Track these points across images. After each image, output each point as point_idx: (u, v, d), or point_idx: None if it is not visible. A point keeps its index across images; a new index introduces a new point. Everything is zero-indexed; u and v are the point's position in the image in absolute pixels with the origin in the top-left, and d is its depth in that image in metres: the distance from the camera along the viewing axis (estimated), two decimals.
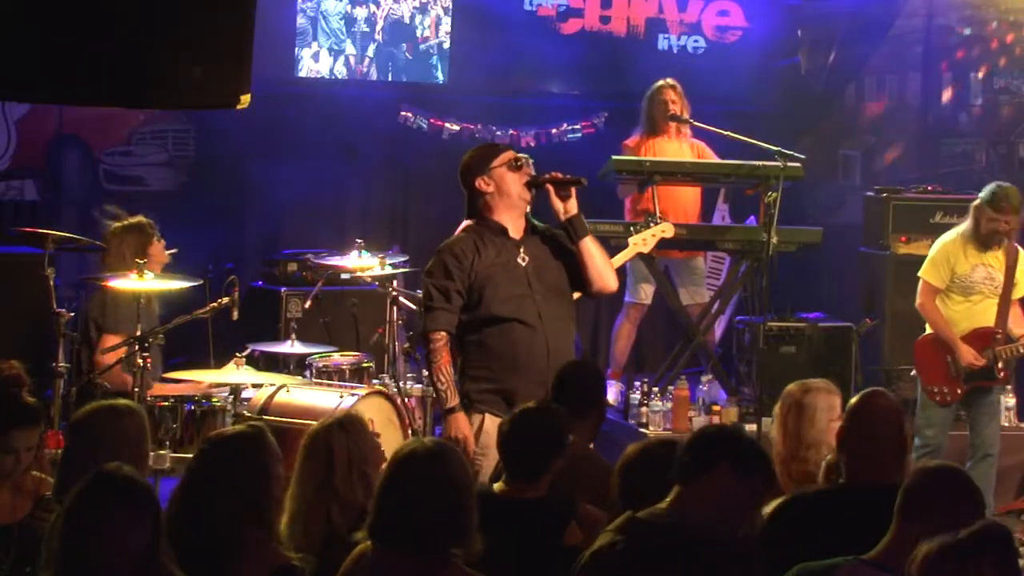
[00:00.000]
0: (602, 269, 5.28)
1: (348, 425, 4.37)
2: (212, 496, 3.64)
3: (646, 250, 6.11)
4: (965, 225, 6.96)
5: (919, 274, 7.02)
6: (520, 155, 5.28)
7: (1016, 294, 6.99)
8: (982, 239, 6.89)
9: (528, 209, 5.29)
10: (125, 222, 6.70)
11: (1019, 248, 7.04)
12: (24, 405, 4.40)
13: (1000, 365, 6.90)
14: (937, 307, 6.97)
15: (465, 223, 5.31)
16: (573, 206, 5.24)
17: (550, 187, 5.23)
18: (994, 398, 7.03)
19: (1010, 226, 6.85)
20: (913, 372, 7.10)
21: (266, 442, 3.80)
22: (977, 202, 6.89)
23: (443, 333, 5.15)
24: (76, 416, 4.34)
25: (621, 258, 5.95)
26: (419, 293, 6.84)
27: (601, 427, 5.05)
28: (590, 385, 4.98)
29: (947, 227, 7.25)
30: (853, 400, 4.51)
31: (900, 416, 4.46)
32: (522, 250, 5.22)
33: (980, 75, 9.50)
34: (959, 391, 6.89)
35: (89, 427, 4.10)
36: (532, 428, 4.33)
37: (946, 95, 9.71)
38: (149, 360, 6.02)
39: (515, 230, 5.24)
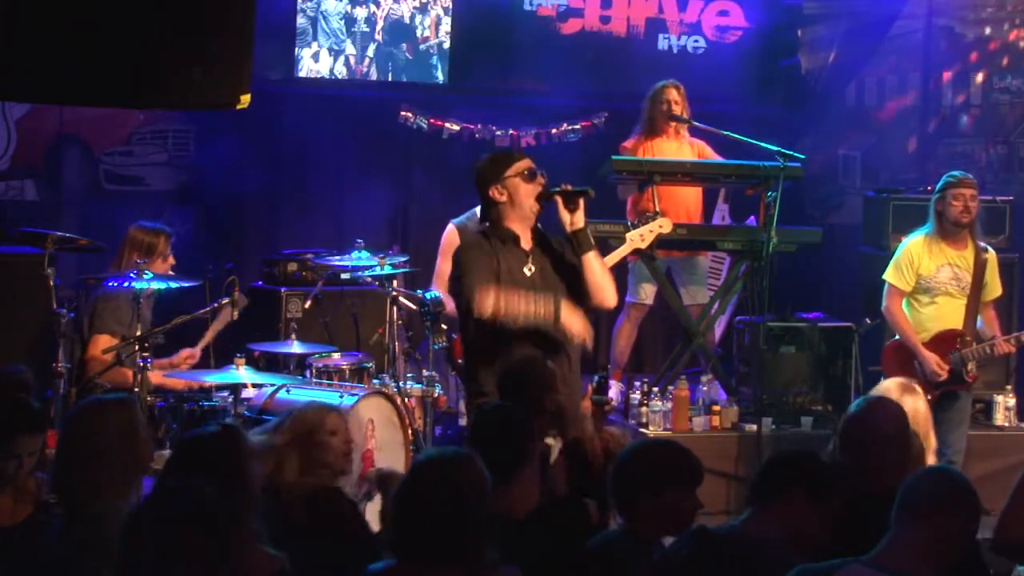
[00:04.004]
0: (601, 284, 5.27)
1: None
2: (185, 499, 3.58)
3: (643, 246, 6.11)
4: (928, 225, 6.93)
5: (883, 277, 6.97)
6: (533, 165, 5.29)
7: (987, 296, 6.92)
8: (950, 228, 6.82)
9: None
10: (151, 226, 6.77)
11: (989, 248, 7.00)
12: (30, 410, 4.40)
13: (968, 368, 6.81)
14: (903, 312, 6.91)
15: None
16: (580, 219, 5.24)
17: (559, 199, 5.24)
18: (963, 404, 6.91)
19: (972, 200, 6.79)
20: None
21: (238, 440, 3.76)
22: (935, 196, 6.90)
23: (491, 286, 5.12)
24: (68, 413, 4.33)
25: (618, 254, 5.95)
26: (419, 293, 6.86)
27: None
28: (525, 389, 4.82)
29: None
30: (856, 407, 4.49)
31: (903, 421, 4.44)
32: (530, 259, 5.24)
33: (980, 75, 9.50)
34: (930, 397, 6.77)
35: (80, 423, 4.09)
36: (495, 429, 4.27)
37: (946, 95, 9.72)
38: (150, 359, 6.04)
39: (525, 239, 5.26)
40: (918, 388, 4.90)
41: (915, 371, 6.79)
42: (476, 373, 5.23)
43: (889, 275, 6.94)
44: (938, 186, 6.92)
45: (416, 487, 3.44)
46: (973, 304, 6.86)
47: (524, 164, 5.25)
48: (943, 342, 6.85)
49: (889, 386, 4.88)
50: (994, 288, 6.96)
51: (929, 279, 6.86)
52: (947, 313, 6.88)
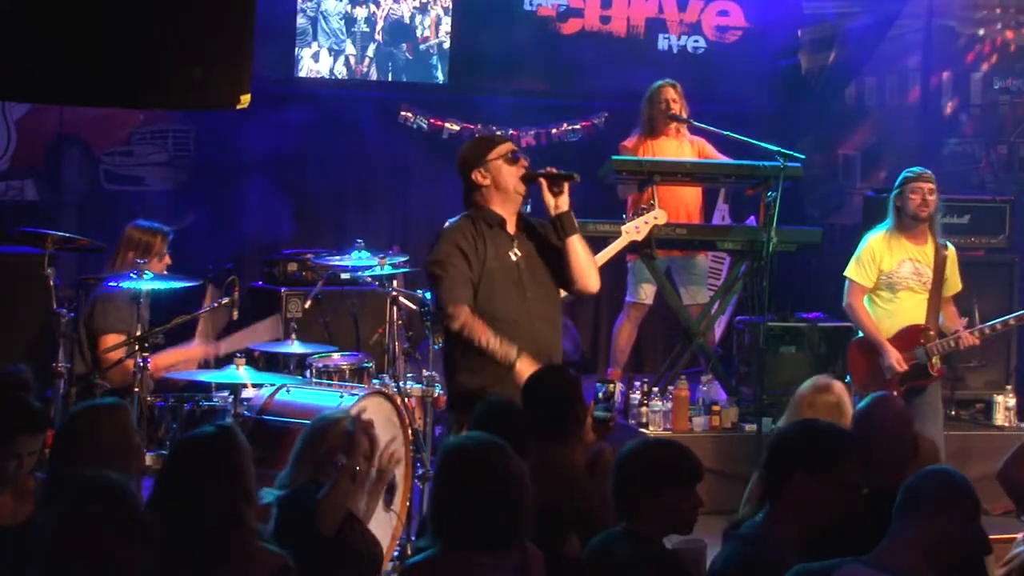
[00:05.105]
0: (585, 269, 5.25)
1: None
2: (185, 500, 3.60)
3: (639, 238, 6.09)
4: (888, 220, 6.94)
5: (845, 274, 6.98)
6: (516, 148, 5.29)
7: (947, 291, 6.94)
8: (909, 222, 6.83)
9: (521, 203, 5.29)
10: (148, 226, 6.78)
11: (949, 244, 7.01)
12: (30, 410, 4.40)
13: (933, 361, 6.84)
14: (865, 308, 6.92)
15: (463, 213, 5.30)
16: (564, 202, 5.22)
17: (543, 181, 5.22)
18: (931, 397, 6.93)
19: (931, 194, 6.81)
20: (848, 378, 7.02)
21: (235, 441, 3.76)
22: (894, 191, 6.91)
23: (466, 306, 5.06)
24: (62, 419, 4.33)
25: (615, 247, 5.94)
26: (419, 293, 6.86)
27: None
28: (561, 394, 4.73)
29: (947, 227, 7.24)
30: (861, 405, 4.50)
31: (908, 420, 4.46)
32: (515, 244, 5.22)
33: (980, 75, 9.50)
34: (895, 394, 6.77)
35: (72, 430, 4.09)
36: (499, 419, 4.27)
37: (946, 95, 9.72)
38: (151, 359, 6.04)
39: (510, 224, 5.24)
40: (835, 385, 4.95)
41: (880, 367, 6.83)
42: (459, 372, 5.20)
43: (851, 271, 6.95)
44: (896, 181, 6.95)
45: (458, 475, 3.48)
46: (935, 299, 6.89)
47: (506, 147, 5.24)
48: (907, 337, 6.88)
49: (804, 389, 4.95)
50: (954, 283, 6.99)
51: (891, 274, 6.88)
52: (909, 308, 6.91)
